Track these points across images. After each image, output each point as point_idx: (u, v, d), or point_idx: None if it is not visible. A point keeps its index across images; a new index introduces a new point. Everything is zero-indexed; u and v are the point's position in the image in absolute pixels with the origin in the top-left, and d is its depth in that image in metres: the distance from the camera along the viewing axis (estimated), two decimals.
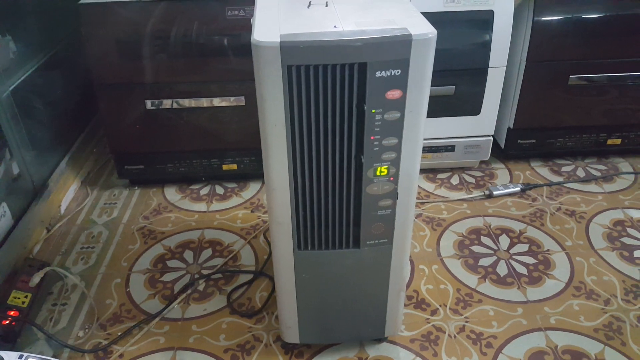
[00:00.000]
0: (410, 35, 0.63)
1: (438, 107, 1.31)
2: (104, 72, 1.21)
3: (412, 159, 0.72)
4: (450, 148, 1.40)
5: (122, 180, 1.43)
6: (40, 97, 1.31)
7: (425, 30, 0.64)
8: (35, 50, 1.32)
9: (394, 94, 0.66)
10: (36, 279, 1.03)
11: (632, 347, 0.93)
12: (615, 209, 1.28)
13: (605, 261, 1.12)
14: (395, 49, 0.63)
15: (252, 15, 1.13)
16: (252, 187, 1.40)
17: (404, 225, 0.79)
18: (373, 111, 0.67)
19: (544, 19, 1.25)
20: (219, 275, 1.12)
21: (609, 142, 1.44)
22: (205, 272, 1.12)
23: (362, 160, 0.71)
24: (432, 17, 1.20)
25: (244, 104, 1.26)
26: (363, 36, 0.62)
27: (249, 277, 1.11)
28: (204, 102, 1.26)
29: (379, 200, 0.75)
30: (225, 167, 1.37)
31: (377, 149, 0.70)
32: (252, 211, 1.31)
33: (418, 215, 1.28)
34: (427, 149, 1.39)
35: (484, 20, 1.22)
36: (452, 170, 1.45)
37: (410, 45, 0.63)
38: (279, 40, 0.62)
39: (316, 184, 0.73)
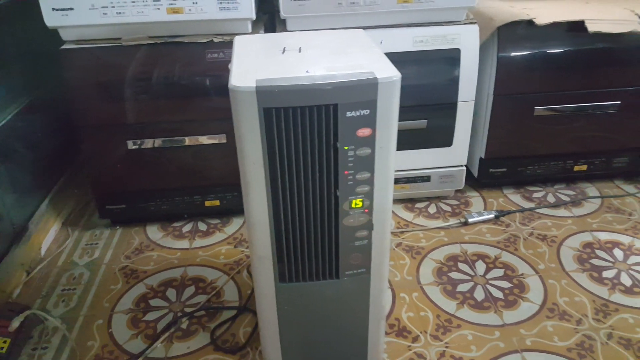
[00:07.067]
0: (376, 78, 0.68)
1: (412, 140, 1.37)
2: (86, 115, 1.24)
3: (384, 191, 0.76)
4: (426, 178, 1.44)
5: (103, 220, 1.43)
6: (21, 140, 1.33)
7: (390, 73, 0.69)
8: (17, 94, 1.34)
9: (364, 132, 0.71)
10: (15, 323, 1.02)
11: None
12: (584, 232, 1.34)
13: (576, 282, 1.17)
14: (363, 91, 0.68)
15: (231, 57, 1.17)
16: (235, 223, 1.42)
17: (380, 254, 0.82)
18: (346, 148, 0.71)
19: (508, 54, 1.33)
20: (202, 312, 1.12)
21: (576, 168, 1.50)
22: (188, 309, 1.13)
23: (338, 194, 0.75)
24: (403, 57, 1.28)
25: (225, 142, 1.29)
26: (333, 80, 0.67)
27: (233, 312, 1.11)
28: (186, 141, 1.29)
29: (356, 231, 0.78)
30: (207, 203, 1.39)
31: (351, 183, 0.74)
32: (235, 246, 1.33)
33: (398, 244, 1.31)
34: (405, 180, 1.44)
35: (451, 58, 1.29)
36: (429, 199, 1.50)
37: (377, 87, 0.68)
38: (255, 85, 0.66)
39: (297, 217, 0.76)
